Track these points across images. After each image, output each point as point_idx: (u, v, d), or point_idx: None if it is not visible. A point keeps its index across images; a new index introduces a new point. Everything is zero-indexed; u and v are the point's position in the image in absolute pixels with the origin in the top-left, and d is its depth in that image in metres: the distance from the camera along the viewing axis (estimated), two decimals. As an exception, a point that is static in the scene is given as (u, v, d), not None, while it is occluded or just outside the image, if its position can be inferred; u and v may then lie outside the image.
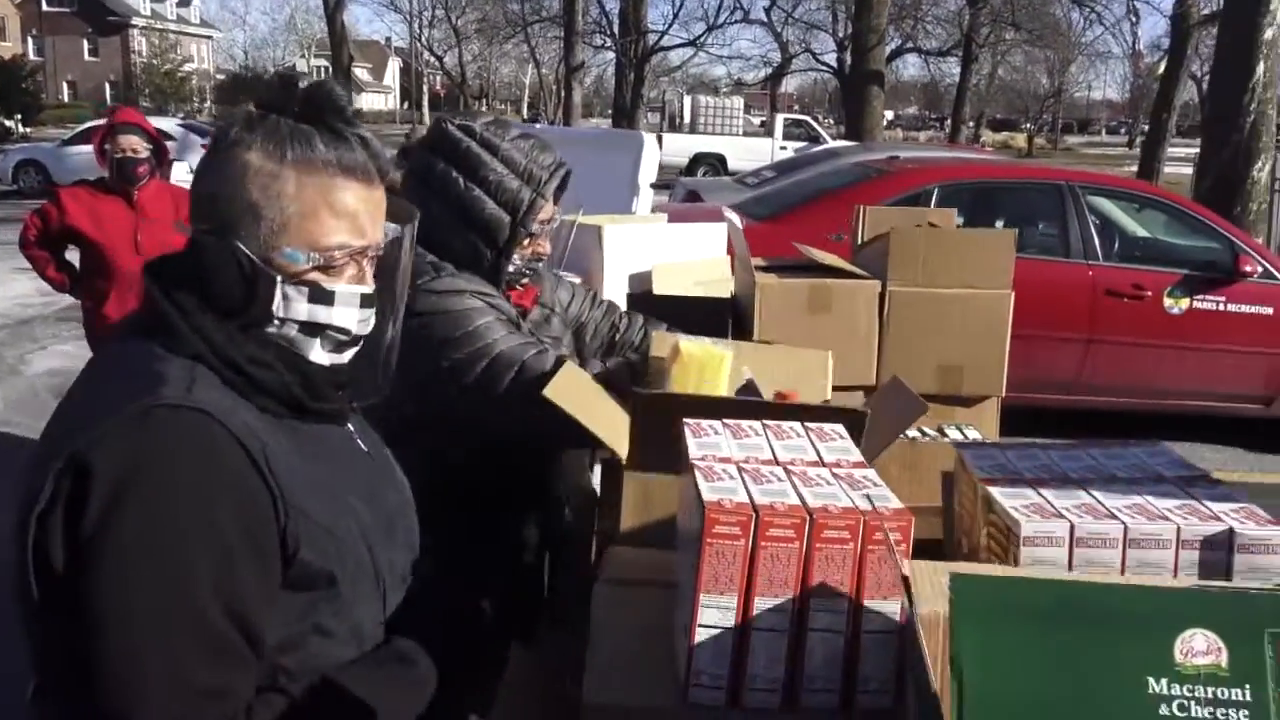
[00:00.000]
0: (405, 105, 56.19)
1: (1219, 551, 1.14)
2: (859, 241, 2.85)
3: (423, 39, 42.71)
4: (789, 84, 49.07)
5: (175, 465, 1.04)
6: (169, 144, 4.38)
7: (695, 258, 3.26)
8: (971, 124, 36.28)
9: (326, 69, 46.56)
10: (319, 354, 1.21)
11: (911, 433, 2.22)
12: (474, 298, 1.85)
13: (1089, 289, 5.84)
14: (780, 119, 25.98)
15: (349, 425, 1.30)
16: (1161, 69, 23.26)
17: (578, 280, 2.46)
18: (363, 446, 1.30)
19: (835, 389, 2.05)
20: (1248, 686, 0.92)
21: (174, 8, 59.40)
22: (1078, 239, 5.96)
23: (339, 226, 1.17)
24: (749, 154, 22.16)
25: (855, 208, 2.95)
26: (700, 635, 1.16)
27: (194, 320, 1.12)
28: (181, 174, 7.93)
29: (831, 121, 38.16)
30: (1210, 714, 0.91)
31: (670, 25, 29.92)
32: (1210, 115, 10.84)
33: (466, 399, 1.80)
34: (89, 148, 4.13)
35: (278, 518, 1.08)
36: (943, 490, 1.51)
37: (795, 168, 8.62)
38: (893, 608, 1.17)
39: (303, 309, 1.17)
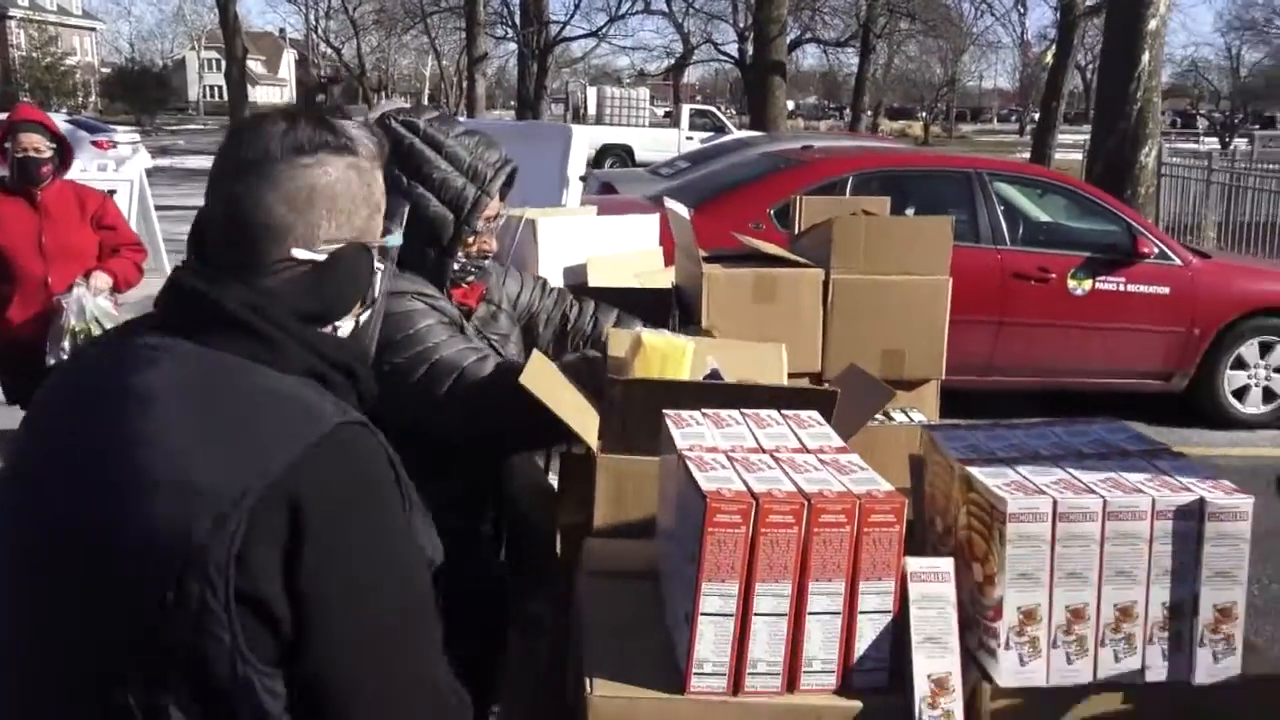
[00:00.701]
0: (300, 98, 54.76)
1: (1191, 520, 1.20)
2: (796, 231, 2.90)
3: (319, 30, 41.72)
4: (691, 75, 49.43)
5: (380, 482, 1.04)
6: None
7: (628, 249, 3.26)
8: (870, 113, 37.02)
9: (218, 61, 45.16)
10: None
11: (857, 417, 2.26)
12: (415, 299, 1.82)
13: (999, 273, 6.03)
14: (686, 109, 26.09)
15: None
16: (1049, 58, 24.13)
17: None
18: None
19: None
20: None
21: (53, -2, 56.80)
22: (986, 224, 6.15)
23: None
24: (656, 145, 22.22)
25: (792, 198, 2.99)
26: (703, 624, 1.17)
27: (301, 334, 1.07)
28: (74, 173, 7.54)
29: (734, 112, 38.48)
30: None
31: (572, 16, 29.73)
32: (1099, 103, 11.27)
33: (408, 403, 1.77)
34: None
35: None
36: (911, 472, 1.55)
37: (709, 158, 8.70)
38: (887, 588, 1.20)
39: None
